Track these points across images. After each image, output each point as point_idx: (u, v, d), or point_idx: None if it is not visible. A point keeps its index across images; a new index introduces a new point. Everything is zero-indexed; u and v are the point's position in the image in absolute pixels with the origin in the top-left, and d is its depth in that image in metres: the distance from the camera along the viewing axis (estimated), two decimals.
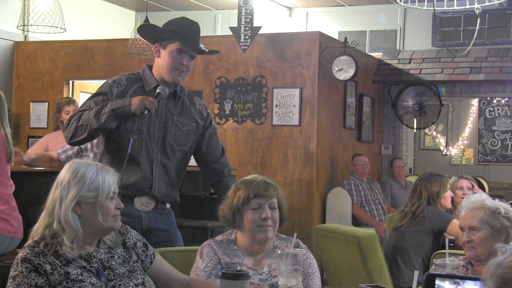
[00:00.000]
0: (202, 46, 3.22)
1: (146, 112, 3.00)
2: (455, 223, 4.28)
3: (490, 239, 2.79)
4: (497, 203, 2.90)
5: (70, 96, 7.72)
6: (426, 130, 11.64)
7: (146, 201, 3.16)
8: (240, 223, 2.61)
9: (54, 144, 5.32)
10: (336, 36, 8.49)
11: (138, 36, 5.91)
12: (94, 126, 3.01)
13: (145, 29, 3.39)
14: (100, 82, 3.28)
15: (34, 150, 5.35)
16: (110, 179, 2.31)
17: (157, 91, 3.11)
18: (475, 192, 4.64)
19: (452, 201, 4.80)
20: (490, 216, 2.81)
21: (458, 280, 1.19)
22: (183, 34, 3.13)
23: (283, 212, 2.67)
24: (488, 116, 11.59)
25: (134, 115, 3.01)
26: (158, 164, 3.17)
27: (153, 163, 3.16)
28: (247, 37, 6.63)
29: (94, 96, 3.18)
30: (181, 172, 3.29)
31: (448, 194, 4.52)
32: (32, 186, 4.48)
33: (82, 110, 3.11)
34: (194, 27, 3.19)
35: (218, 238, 2.68)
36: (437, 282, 1.20)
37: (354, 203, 6.94)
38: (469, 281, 1.20)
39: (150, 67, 3.25)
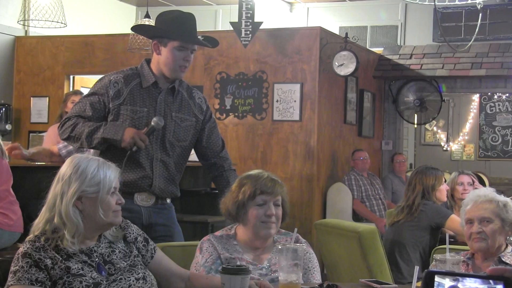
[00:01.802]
0: (200, 37, 3.20)
1: (135, 149, 3.04)
2: (453, 218, 4.26)
3: (499, 232, 2.80)
4: (503, 196, 2.91)
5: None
6: (427, 126, 11.61)
7: (146, 196, 3.16)
8: (244, 218, 2.62)
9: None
10: (337, 32, 8.48)
11: None
12: (85, 146, 3.12)
13: (139, 29, 3.36)
14: None
15: (48, 145, 5.28)
16: (111, 174, 2.31)
17: (151, 124, 3.08)
18: (476, 188, 4.61)
19: (453, 197, 4.78)
20: (502, 209, 2.82)
21: (458, 277, 1.18)
22: (183, 31, 3.11)
23: (285, 209, 2.68)
24: (489, 111, 11.57)
25: (123, 148, 3.05)
26: (158, 162, 3.16)
27: (153, 161, 3.16)
28: (248, 32, 6.62)
29: (90, 95, 3.17)
30: (181, 167, 3.28)
31: (444, 187, 4.48)
32: (32, 180, 4.47)
33: (77, 115, 3.12)
34: (191, 21, 3.16)
35: (218, 233, 2.68)
36: (437, 279, 1.19)
37: (355, 198, 6.94)
38: (470, 278, 1.19)
39: (149, 62, 3.22)
